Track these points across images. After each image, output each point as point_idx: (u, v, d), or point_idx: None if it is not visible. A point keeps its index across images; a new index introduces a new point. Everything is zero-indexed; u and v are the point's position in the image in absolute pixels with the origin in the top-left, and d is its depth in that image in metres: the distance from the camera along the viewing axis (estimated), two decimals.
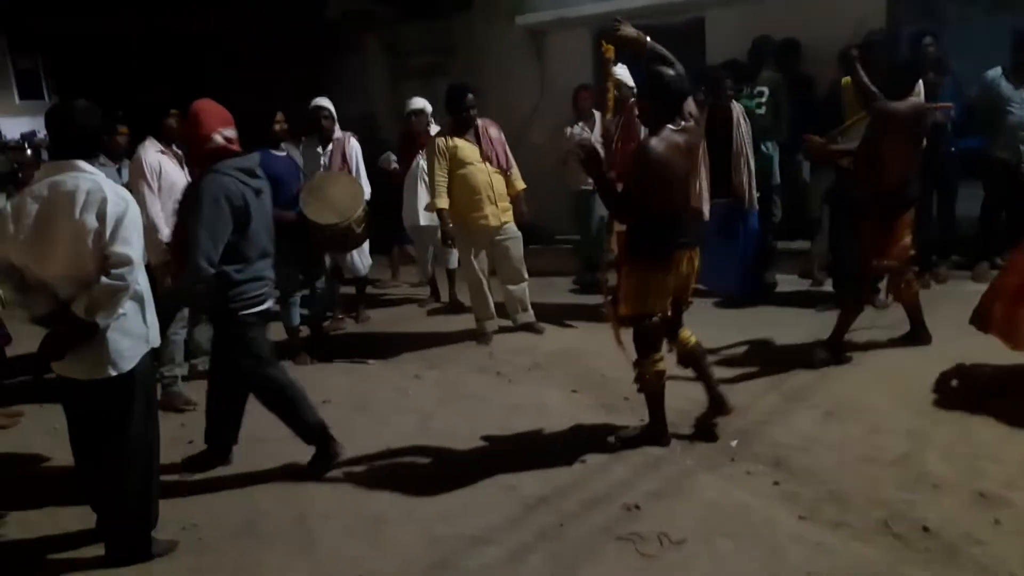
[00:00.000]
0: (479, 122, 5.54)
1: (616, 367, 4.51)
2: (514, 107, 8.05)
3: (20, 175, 7.12)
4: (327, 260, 5.98)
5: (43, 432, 4.46)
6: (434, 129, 6.72)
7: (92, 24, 12.54)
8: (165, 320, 3.38)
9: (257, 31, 10.65)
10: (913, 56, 4.72)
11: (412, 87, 8.34)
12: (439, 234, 6.52)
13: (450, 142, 5.43)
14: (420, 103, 6.72)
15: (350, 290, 6.60)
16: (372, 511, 3.47)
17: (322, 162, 5.97)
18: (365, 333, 6.25)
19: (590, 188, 5.84)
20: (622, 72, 5.70)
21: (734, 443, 3.80)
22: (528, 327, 5.78)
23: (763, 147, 6.24)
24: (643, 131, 4.00)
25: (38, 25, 16.56)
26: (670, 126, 3.51)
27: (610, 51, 3.97)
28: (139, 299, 3.06)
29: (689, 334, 3.93)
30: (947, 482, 3.30)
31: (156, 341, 3.20)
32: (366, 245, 5.94)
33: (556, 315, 6.11)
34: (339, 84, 9.30)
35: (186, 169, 4.81)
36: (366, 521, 3.40)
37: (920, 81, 5.29)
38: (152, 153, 4.92)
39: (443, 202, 5.41)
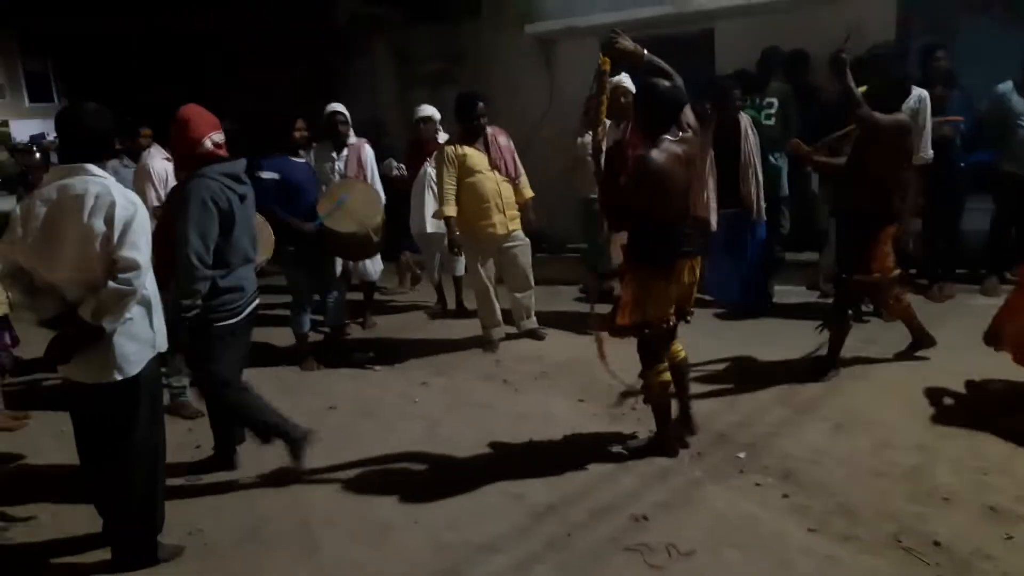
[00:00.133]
0: (488, 130, 5.54)
1: (623, 376, 4.50)
2: (523, 115, 8.06)
3: (29, 178, 7.16)
4: (338, 266, 5.99)
5: (50, 435, 4.46)
6: (442, 137, 6.73)
7: (102, 27, 12.62)
8: (173, 329, 3.36)
9: (266, 35, 10.70)
10: (907, 73, 4.69)
11: (421, 94, 8.37)
12: (446, 241, 6.55)
13: (459, 150, 5.44)
14: (429, 110, 6.73)
15: (356, 295, 6.60)
16: (377, 517, 3.46)
17: (337, 167, 5.99)
18: (372, 339, 6.24)
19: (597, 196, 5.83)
20: (628, 80, 5.72)
21: (742, 455, 3.78)
22: (531, 333, 5.83)
23: (771, 158, 6.24)
24: None
25: (48, 28, 16.66)
26: (668, 136, 3.53)
27: (607, 63, 3.99)
28: (146, 304, 3.06)
29: (680, 348, 3.94)
30: (957, 496, 3.28)
31: (163, 346, 3.20)
32: None
33: (563, 324, 6.10)
34: (347, 89, 9.33)
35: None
36: (371, 527, 3.39)
37: (921, 95, 5.30)
38: (159, 160, 4.93)
39: (451, 210, 5.41)
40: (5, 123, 28.43)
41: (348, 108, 6.22)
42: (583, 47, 7.96)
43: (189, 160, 3.65)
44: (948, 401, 4.19)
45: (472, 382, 5.11)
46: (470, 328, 6.11)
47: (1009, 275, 6.09)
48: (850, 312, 4.59)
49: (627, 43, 3.83)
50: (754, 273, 6.11)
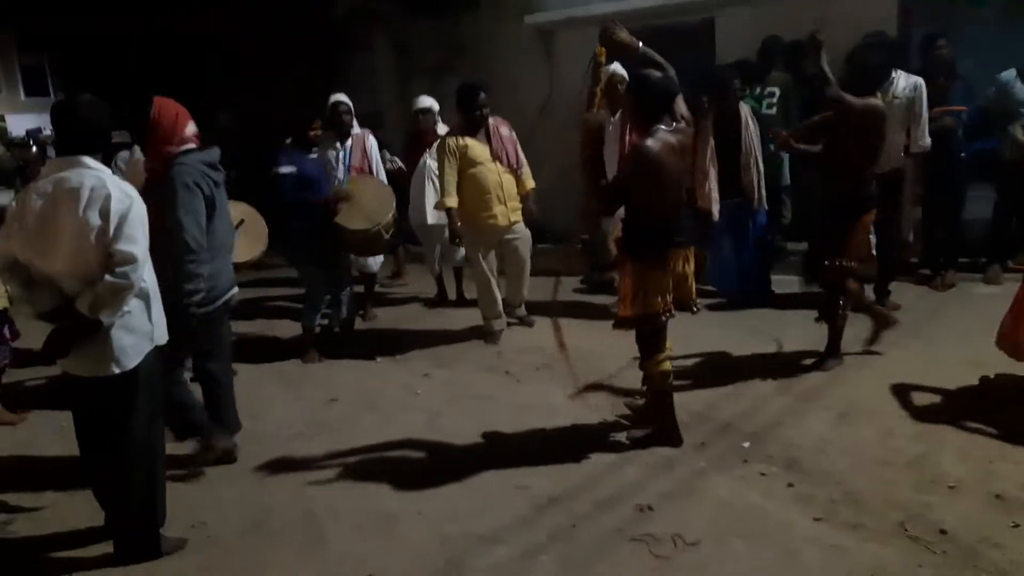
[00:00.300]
0: (490, 121, 5.50)
1: (626, 367, 4.50)
2: (523, 106, 8.02)
3: (26, 171, 7.13)
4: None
5: (51, 429, 4.44)
6: (441, 128, 6.70)
7: (97, 21, 12.56)
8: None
9: (265, 30, 10.66)
10: (885, 59, 4.67)
11: (420, 85, 8.33)
12: (446, 232, 6.52)
13: (460, 141, 5.40)
14: (428, 101, 6.70)
15: (356, 287, 6.57)
16: (381, 509, 3.45)
17: (340, 157, 5.95)
18: (372, 330, 6.22)
19: None
20: (621, 68, 5.70)
21: (746, 444, 3.77)
22: (521, 320, 5.90)
23: (772, 147, 6.21)
24: None
25: (44, 22, 16.58)
26: (662, 127, 3.54)
27: (603, 54, 4.01)
28: (145, 296, 3.03)
29: (669, 346, 3.90)
30: (963, 484, 3.27)
31: (162, 339, 3.17)
32: None
33: (564, 315, 6.07)
34: (347, 82, 9.28)
35: None
36: (375, 519, 3.37)
37: (916, 83, 5.27)
38: None
39: (452, 201, 5.38)
40: (1, 117, 28.36)
41: (350, 101, 6.18)
42: (583, 37, 7.86)
43: (169, 151, 3.61)
44: (952, 389, 4.17)
45: (474, 373, 5.10)
46: (470, 319, 6.10)
47: (1012, 263, 6.09)
48: (843, 302, 4.55)
49: (623, 34, 3.87)
50: (755, 263, 6.09)
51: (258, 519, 3.44)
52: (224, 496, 3.68)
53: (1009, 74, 5.82)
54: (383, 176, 6.33)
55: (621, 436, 3.97)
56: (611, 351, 4.88)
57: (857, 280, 4.64)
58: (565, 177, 6.73)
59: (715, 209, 5.98)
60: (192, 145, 3.65)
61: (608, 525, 3.18)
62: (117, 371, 2.95)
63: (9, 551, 3.33)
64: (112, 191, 2.84)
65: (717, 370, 4.72)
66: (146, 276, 3.00)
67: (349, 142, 6.02)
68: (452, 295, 6.96)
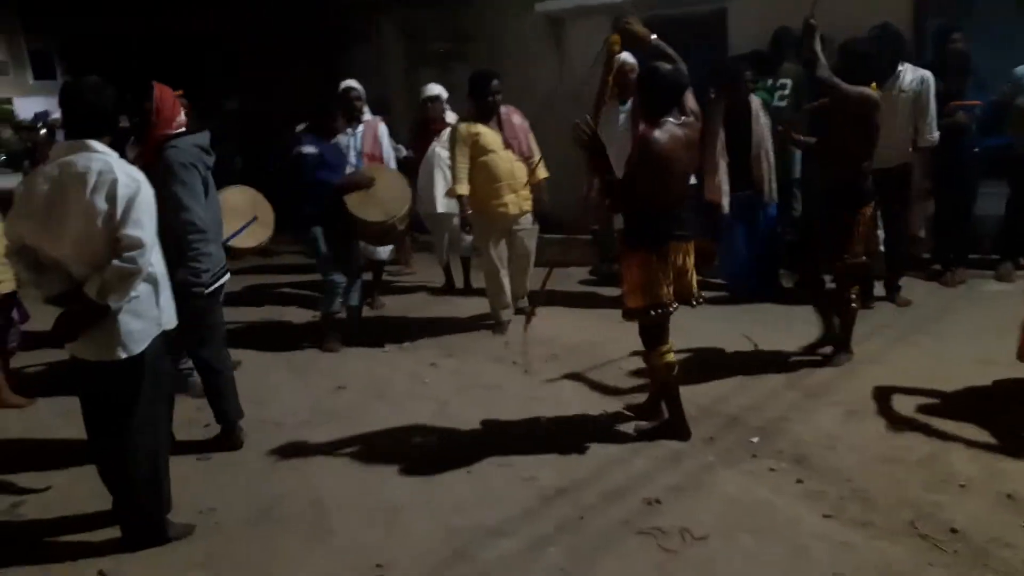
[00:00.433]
0: (502, 109, 5.47)
1: (635, 359, 4.48)
2: (532, 95, 7.98)
3: (36, 154, 7.12)
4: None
5: (59, 413, 4.45)
6: (450, 116, 6.68)
7: (105, 4, 12.52)
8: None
9: (270, 16, 10.61)
10: (877, 51, 4.63)
11: (428, 73, 8.29)
12: (454, 221, 6.49)
13: (472, 128, 5.36)
14: (436, 89, 6.67)
15: (365, 276, 6.56)
16: (388, 499, 3.44)
17: (351, 143, 5.92)
18: (380, 318, 6.21)
19: None
20: (631, 57, 5.66)
21: (755, 439, 3.75)
22: (521, 311, 5.83)
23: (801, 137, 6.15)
24: None
25: (52, 5, 16.55)
26: (671, 119, 3.57)
27: (617, 42, 4.00)
28: (153, 281, 3.03)
29: (671, 342, 3.90)
30: (973, 483, 3.25)
31: (170, 324, 3.17)
32: None
33: (573, 306, 6.07)
34: (354, 70, 9.24)
35: None
36: (382, 509, 3.37)
37: (924, 77, 5.21)
38: None
39: (463, 188, 5.35)
40: (9, 100, 28.38)
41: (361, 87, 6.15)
42: (594, 26, 7.86)
43: (166, 134, 3.68)
44: (962, 388, 4.15)
45: (481, 363, 5.09)
46: (477, 308, 6.09)
47: None
48: (853, 296, 4.52)
49: (638, 26, 3.94)
50: (765, 256, 6.06)
51: (265, 507, 3.44)
52: (231, 483, 3.68)
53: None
54: (393, 163, 6.30)
55: (628, 428, 3.95)
56: (617, 343, 4.88)
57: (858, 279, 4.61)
58: (574, 167, 6.70)
59: (725, 202, 5.96)
60: (183, 129, 3.72)
61: (615, 518, 3.18)
62: (124, 356, 2.94)
63: (16, 534, 3.34)
64: (119, 175, 2.83)
65: (725, 364, 4.70)
66: (154, 261, 3.00)
67: (360, 128, 5.99)
68: (459, 284, 6.95)
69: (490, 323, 5.75)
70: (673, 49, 3.84)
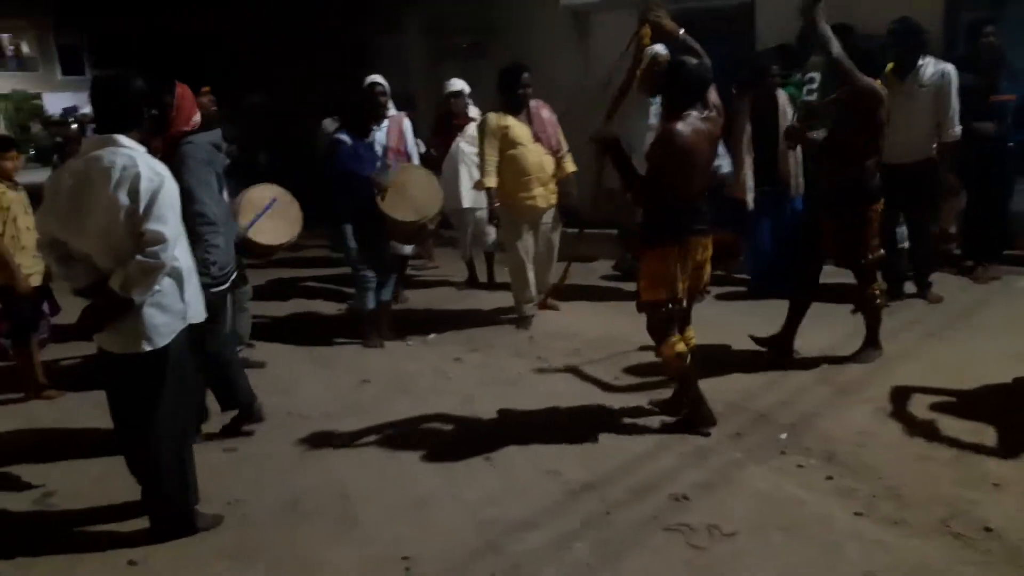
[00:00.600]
0: (531, 103, 5.46)
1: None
2: (557, 89, 7.93)
3: (66, 149, 7.20)
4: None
5: (91, 404, 4.48)
6: (473, 111, 6.67)
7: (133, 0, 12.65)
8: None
9: (297, 11, 10.65)
10: (881, 46, 4.55)
11: (452, 67, 8.27)
12: (477, 215, 6.50)
13: (502, 120, 5.36)
14: (459, 84, 6.66)
15: None
16: (414, 492, 3.45)
17: (376, 138, 5.92)
18: (404, 313, 6.22)
19: None
20: (664, 50, 5.61)
21: (784, 436, 3.71)
22: (544, 305, 5.89)
23: (812, 134, 6.09)
24: None
25: (82, 2, 16.73)
26: (695, 113, 3.58)
27: (647, 35, 3.99)
28: (177, 275, 3.04)
29: (692, 335, 3.94)
30: (1007, 482, 3.20)
31: (196, 318, 3.19)
32: None
33: (596, 300, 6.04)
34: (379, 64, 9.26)
35: None
36: (408, 501, 3.37)
37: (944, 70, 5.12)
38: None
39: (492, 181, 5.35)
40: (38, 96, 28.79)
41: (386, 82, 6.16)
42: (619, 19, 7.81)
43: (183, 130, 3.75)
44: (994, 385, 4.08)
45: (505, 358, 5.08)
46: (501, 303, 6.09)
47: None
48: (877, 293, 4.46)
49: (666, 20, 3.98)
50: (791, 251, 5.98)
51: (292, 498, 3.45)
52: (259, 475, 3.70)
53: None
54: (416, 159, 6.30)
55: (654, 423, 3.93)
56: (639, 338, 4.83)
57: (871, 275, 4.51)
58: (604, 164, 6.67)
59: (750, 198, 5.91)
60: (198, 127, 3.80)
61: (643, 513, 3.16)
62: (148, 348, 2.96)
63: (48, 524, 3.38)
64: (142, 170, 2.85)
65: (753, 360, 4.64)
66: (179, 255, 3.01)
67: (385, 124, 5.99)
68: (483, 279, 6.95)
69: (514, 317, 5.74)
70: (700, 42, 3.84)
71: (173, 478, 3.13)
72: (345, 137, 5.27)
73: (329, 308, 6.58)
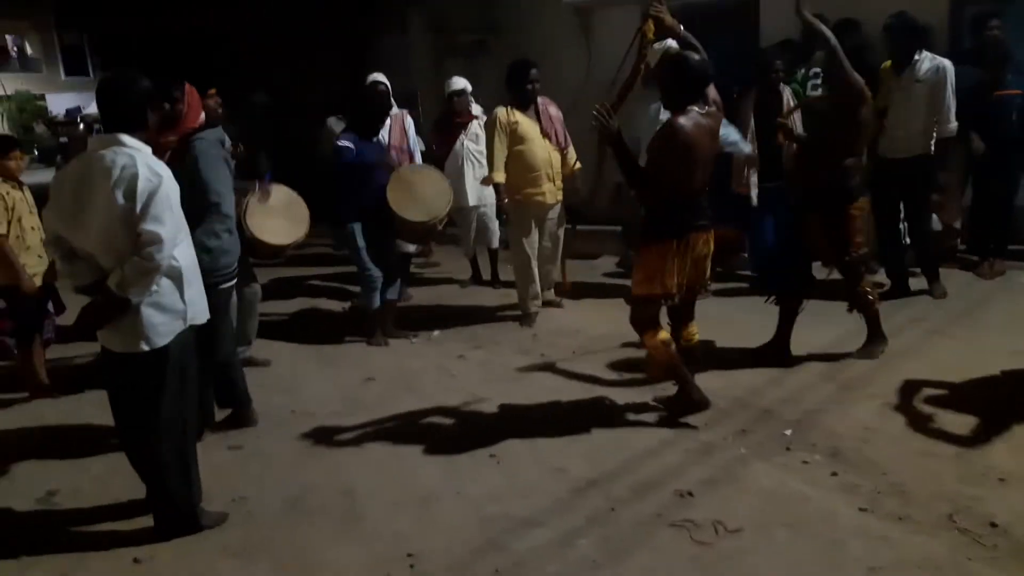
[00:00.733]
0: (539, 99, 5.47)
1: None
2: (560, 86, 7.92)
3: (69, 148, 7.21)
4: None
5: (94, 403, 4.50)
6: (476, 108, 6.67)
7: (133, 17, 12.66)
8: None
9: (301, 9, 10.64)
10: (865, 43, 4.52)
11: (456, 65, 8.26)
12: (480, 212, 6.51)
13: (512, 116, 5.36)
14: (461, 83, 6.64)
15: None
16: (419, 489, 3.45)
17: (380, 136, 5.91)
18: (407, 310, 6.21)
19: None
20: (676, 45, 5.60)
21: (788, 432, 3.70)
22: (548, 303, 5.88)
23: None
24: None
25: (85, 2, 16.72)
26: (695, 108, 3.61)
27: (651, 31, 4.01)
28: (176, 276, 3.02)
29: (695, 331, 3.95)
30: (1013, 477, 3.19)
31: (198, 319, 3.16)
32: None
33: (600, 297, 6.04)
34: (382, 62, 9.25)
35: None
36: (413, 498, 3.37)
37: (940, 65, 5.09)
38: None
39: (501, 176, 5.36)
40: (42, 96, 28.83)
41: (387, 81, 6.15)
42: (622, 16, 7.80)
43: (194, 127, 3.82)
44: (999, 380, 4.07)
45: (509, 355, 5.07)
46: (504, 300, 6.08)
47: None
48: (868, 289, 4.45)
49: (668, 17, 4.03)
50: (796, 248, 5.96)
51: (297, 495, 3.46)
52: (263, 472, 3.71)
53: None
54: (419, 156, 6.30)
55: (658, 419, 3.95)
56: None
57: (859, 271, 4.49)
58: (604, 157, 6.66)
59: (753, 194, 5.89)
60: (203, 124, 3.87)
61: (647, 510, 3.15)
62: (147, 348, 2.96)
63: (51, 523, 3.38)
64: (140, 170, 2.84)
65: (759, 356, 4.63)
66: (178, 255, 3.00)
67: (388, 121, 5.98)
68: (486, 277, 6.94)
69: (517, 315, 5.73)
70: (704, 39, 3.86)
71: (176, 477, 3.13)
72: (350, 142, 5.19)
73: (333, 306, 6.58)
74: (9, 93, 27.43)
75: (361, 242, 5.22)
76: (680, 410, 3.89)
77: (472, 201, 6.39)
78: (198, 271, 3.20)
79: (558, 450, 3.71)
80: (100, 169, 2.86)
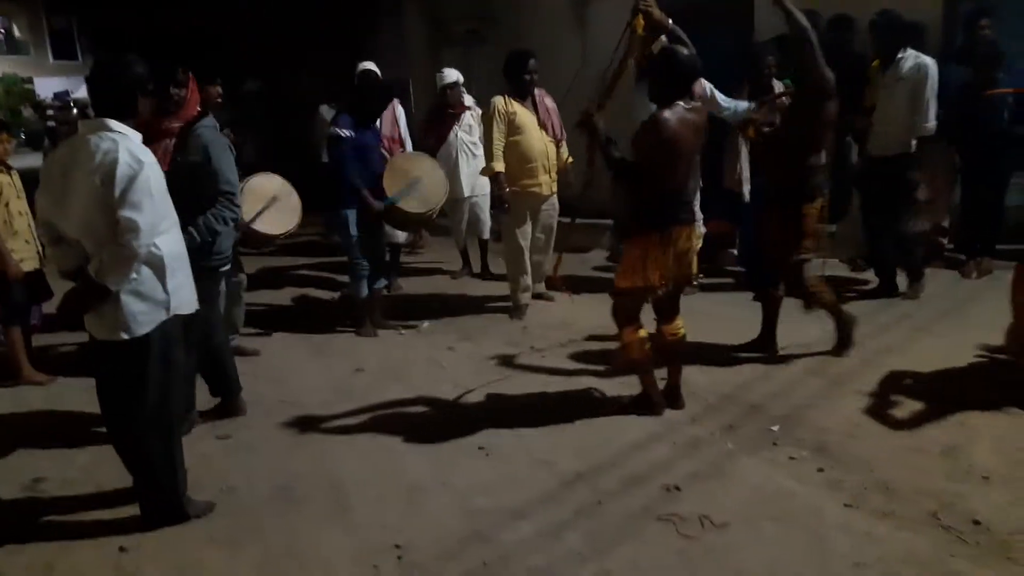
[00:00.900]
0: (535, 91, 5.47)
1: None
2: (555, 77, 7.90)
3: (57, 132, 7.15)
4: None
5: (81, 389, 4.47)
6: (468, 100, 6.66)
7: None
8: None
9: None
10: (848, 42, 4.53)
11: (451, 55, 8.24)
12: (472, 203, 6.50)
13: (510, 106, 5.36)
14: (454, 75, 6.60)
15: None
16: (407, 480, 3.45)
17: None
18: (397, 301, 6.21)
19: None
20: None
21: (775, 428, 3.72)
22: (539, 295, 5.90)
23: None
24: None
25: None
26: (681, 103, 3.60)
27: (641, 25, 4.01)
28: (158, 264, 2.98)
29: (681, 325, 3.94)
30: (997, 475, 3.22)
31: (182, 308, 3.13)
32: None
33: (590, 291, 6.04)
34: (377, 51, 9.21)
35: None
36: (401, 489, 3.38)
37: (922, 64, 5.10)
38: None
39: (500, 166, 5.35)
40: (29, 80, 28.54)
41: (378, 70, 6.13)
42: (616, 7, 7.72)
43: (196, 113, 3.87)
44: (984, 378, 4.11)
45: (499, 347, 5.07)
46: (494, 292, 6.08)
47: None
48: (820, 288, 4.39)
49: (657, 12, 4.03)
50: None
51: (285, 485, 3.45)
52: (251, 462, 3.70)
53: None
54: (410, 146, 6.29)
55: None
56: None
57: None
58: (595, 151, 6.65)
59: (745, 189, 5.90)
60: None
61: (634, 504, 3.17)
62: (126, 337, 2.94)
63: (39, 511, 3.37)
64: (120, 155, 2.80)
65: (746, 353, 4.66)
66: (161, 244, 2.96)
67: None
68: (476, 268, 6.94)
69: (507, 307, 5.74)
70: (698, 35, 3.89)
71: (161, 466, 3.12)
72: (346, 131, 5.13)
73: (323, 296, 6.56)
74: None
75: (354, 230, 5.20)
76: (636, 407, 3.95)
77: (466, 192, 6.39)
78: (186, 260, 3.16)
79: (546, 442, 3.72)
80: (84, 153, 2.84)
